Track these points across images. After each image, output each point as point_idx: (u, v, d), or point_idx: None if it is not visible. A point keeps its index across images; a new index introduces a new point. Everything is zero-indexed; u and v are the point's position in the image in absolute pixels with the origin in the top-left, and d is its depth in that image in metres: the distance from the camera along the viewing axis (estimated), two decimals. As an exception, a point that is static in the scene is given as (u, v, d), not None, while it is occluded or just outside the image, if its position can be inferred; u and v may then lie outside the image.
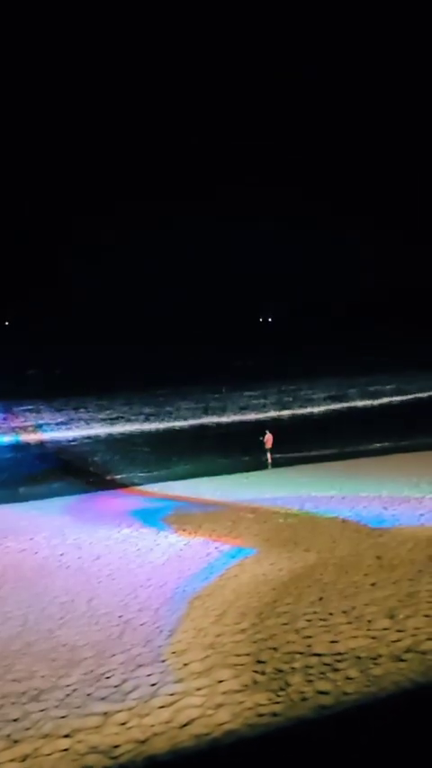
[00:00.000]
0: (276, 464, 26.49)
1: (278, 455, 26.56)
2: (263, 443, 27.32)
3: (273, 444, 27.09)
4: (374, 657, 7.29)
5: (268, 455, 26.96)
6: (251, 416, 36.70)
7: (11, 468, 28.11)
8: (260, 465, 26.80)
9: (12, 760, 5.89)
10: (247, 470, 25.81)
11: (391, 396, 41.95)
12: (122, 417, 37.37)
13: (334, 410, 38.89)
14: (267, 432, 27.70)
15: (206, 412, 38.94)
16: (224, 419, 36.82)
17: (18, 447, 30.91)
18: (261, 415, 36.35)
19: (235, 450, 29.28)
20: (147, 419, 36.84)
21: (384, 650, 7.45)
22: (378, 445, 28.24)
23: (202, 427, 36.15)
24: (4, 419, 36.31)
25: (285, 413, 38.23)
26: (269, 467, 26.35)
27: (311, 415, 38.44)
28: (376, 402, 40.58)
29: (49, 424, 35.34)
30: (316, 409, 39.20)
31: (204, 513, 17.28)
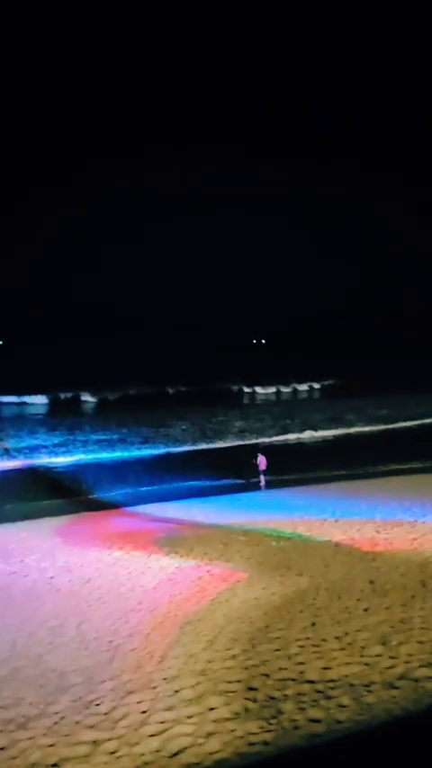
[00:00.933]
0: (269, 486, 26.40)
1: (271, 477, 26.49)
2: (256, 465, 27.25)
3: (266, 466, 27.02)
4: (367, 685, 7.23)
5: (261, 477, 26.87)
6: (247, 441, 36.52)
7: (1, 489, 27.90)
8: (252, 486, 26.70)
9: (-2, 790, 5.77)
10: (240, 492, 25.71)
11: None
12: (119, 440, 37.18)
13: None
14: (260, 454, 27.64)
15: (203, 434, 38.61)
16: (219, 443, 36.47)
17: (10, 469, 30.59)
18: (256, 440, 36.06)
19: (227, 472, 29.21)
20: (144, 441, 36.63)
21: (377, 677, 7.39)
22: (371, 468, 28.24)
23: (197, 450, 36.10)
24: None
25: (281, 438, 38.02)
26: (262, 488, 26.25)
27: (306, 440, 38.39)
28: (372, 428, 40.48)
29: (44, 446, 34.90)
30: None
31: (196, 535, 17.16)
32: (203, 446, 35.24)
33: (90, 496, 26.45)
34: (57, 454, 32.90)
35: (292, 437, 37.33)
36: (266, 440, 36.33)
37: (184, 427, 40.06)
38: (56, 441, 36.20)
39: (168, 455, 33.30)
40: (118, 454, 33.35)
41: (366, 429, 39.53)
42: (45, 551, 16.03)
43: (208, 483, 27.73)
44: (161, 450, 33.94)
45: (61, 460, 31.82)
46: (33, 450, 33.74)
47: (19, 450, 33.28)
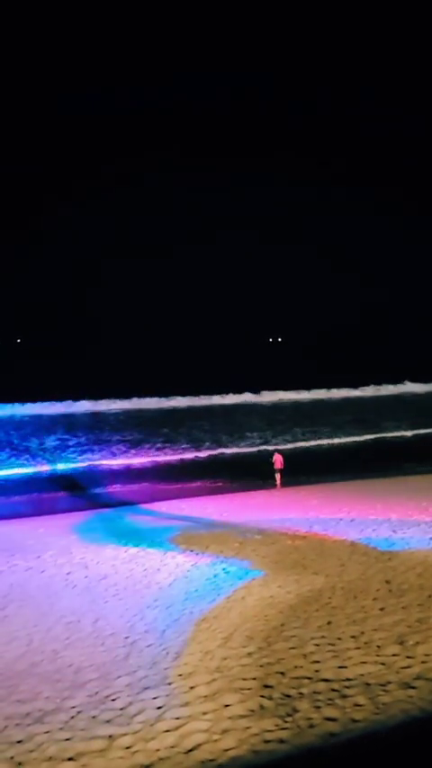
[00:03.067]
0: (284, 484, 26.34)
1: (287, 475, 26.45)
2: (272, 464, 27.23)
3: (282, 465, 26.99)
4: (383, 684, 7.18)
5: (277, 475, 26.84)
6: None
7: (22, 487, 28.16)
8: (268, 485, 26.67)
9: (15, 783, 5.83)
10: (255, 490, 25.69)
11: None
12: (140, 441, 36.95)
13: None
14: (276, 452, 27.62)
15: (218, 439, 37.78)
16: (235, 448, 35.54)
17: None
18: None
19: (243, 470, 29.23)
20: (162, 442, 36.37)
21: (393, 677, 7.34)
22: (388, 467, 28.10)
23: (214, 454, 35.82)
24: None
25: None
26: (278, 487, 26.21)
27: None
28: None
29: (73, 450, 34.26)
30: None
31: (211, 533, 17.18)
32: (227, 450, 34.45)
33: (106, 493, 26.62)
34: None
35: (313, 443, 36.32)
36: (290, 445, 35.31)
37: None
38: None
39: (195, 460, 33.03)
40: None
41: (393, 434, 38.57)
42: (62, 547, 16.14)
43: (223, 481, 27.76)
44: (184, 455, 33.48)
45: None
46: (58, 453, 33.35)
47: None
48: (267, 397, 57.43)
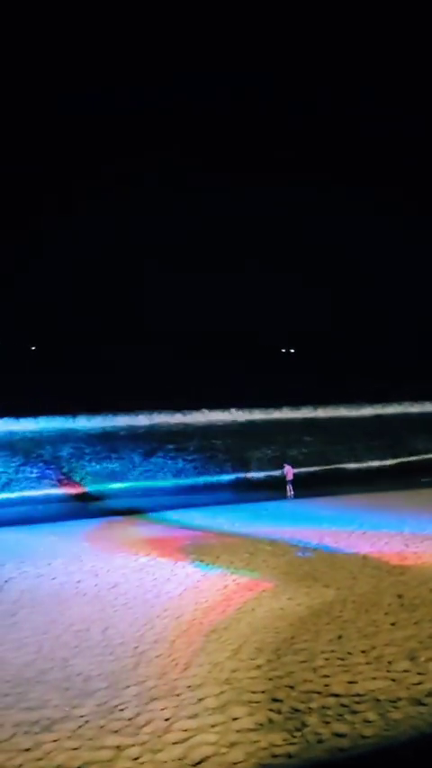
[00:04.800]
0: (295, 496, 26.26)
1: (298, 487, 26.37)
2: (283, 475, 27.18)
3: (293, 476, 26.93)
4: (394, 700, 7.11)
5: (288, 486, 26.77)
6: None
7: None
8: (279, 496, 26.60)
9: (22, 791, 5.82)
10: (266, 501, 25.62)
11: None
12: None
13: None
14: (287, 464, 27.56)
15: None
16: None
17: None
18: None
19: (254, 480, 29.15)
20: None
21: (404, 693, 7.26)
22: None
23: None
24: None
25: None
26: (289, 498, 26.14)
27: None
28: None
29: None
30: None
31: (222, 543, 17.15)
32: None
33: (118, 502, 26.67)
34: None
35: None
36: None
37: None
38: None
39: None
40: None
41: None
42: (72, 555, 16.19)
43: (234, 492, 27.71)
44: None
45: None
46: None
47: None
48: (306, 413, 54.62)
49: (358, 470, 33.96)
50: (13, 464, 33.17)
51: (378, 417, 51.81)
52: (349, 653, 8.57)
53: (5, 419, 42.06)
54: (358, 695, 7.28)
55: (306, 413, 53.54)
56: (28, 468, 32.54)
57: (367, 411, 54.65)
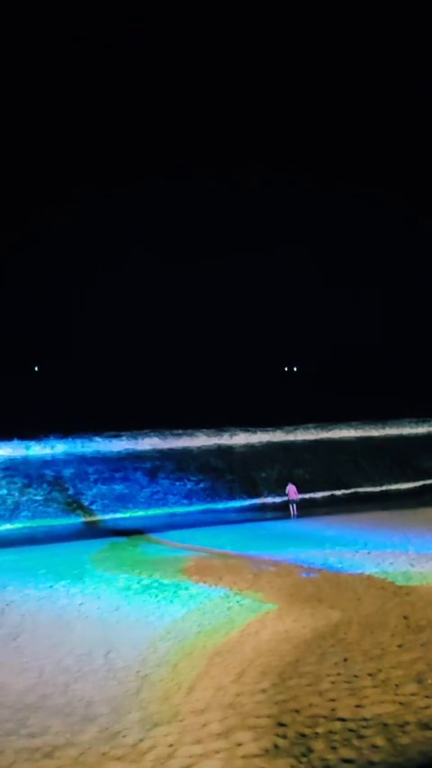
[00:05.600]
0: (299, 515, 26.09)
1: (301, 507, 26.19)
2: (286, 494, 27.02)
3: (296, 495, 26.78)
4: (402, 725, 6.97)
5: (291, 506, 26.61)
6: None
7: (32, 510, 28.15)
8: (283, 516, 26.42)
9: None
10: (270, 521, 25.46)
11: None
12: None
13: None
14: (290, 483, 27.43)
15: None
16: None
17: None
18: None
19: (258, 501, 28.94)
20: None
21: (412, 717, 7.12)
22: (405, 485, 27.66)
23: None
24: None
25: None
26: (292, 518, 25.96)
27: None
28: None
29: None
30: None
31: (225, 564, 16.99)
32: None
33: (119, 522, 26.51)
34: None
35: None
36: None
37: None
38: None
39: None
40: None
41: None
42: (75, 577, 16.04)
43: (237, 512, 27.52)
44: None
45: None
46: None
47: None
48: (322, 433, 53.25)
49: (367, 494, 32.72)
50: (17, 486, 33.02)
51: (384, 438, 51.42)
52: (355, 676, 8.43)
53: (9, 442, 41.97)
54: (365, 719, 7.14)
55: (310, 434, 53.17)
56: (32, 491, 32.33)
57: (373, 431, 54.24)
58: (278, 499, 28.15)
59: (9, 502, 30.00)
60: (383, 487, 32.35)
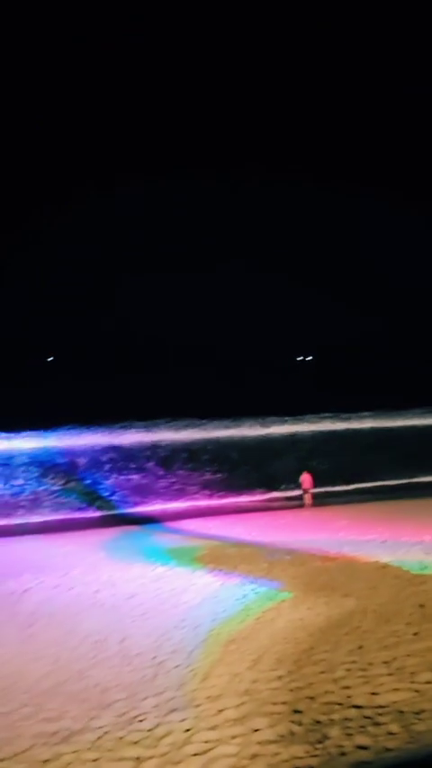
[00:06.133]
0: (313, 504, 26.06)
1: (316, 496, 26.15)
2: (300, 483, 26.99)
3: (311, 485, 26.73)
4: (417, 712, 6.94)
5: (306, 495, 26.58)
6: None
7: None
8: (297, 505, 26.41)
9: (41, 803, 5.76)
10: (284, 510, 25.46)
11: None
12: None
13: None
14: (305, 471, 27.37)
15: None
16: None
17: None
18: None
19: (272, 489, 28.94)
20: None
21: (427, 705, 7.10)
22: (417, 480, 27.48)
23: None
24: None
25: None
26: (306, 507, 25.94)
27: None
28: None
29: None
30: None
31: (240, 553, 17.02)
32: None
33: (134, 511, 26.65)
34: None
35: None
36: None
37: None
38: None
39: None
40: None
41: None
42: (89, 565, 16.16)
43: (252, 502, 27.55)
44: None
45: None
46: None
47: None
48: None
49: (384, 486, 31.59)
50: (33, 476, 33.30)
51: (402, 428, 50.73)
52: (370, 664, 8.41)
53: (23, 433, 42.32)
54: (380, 707, 7.13)
55: (325, 425, 52.73)
56: (47, 481, 32.54)
57: (389, 422, 53.51)
58: (293, 489, 28.02)
59: (27, 491, 30.22)
60: (400, 481, 31.33)
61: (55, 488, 31.11)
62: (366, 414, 54.10)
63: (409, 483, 30.30)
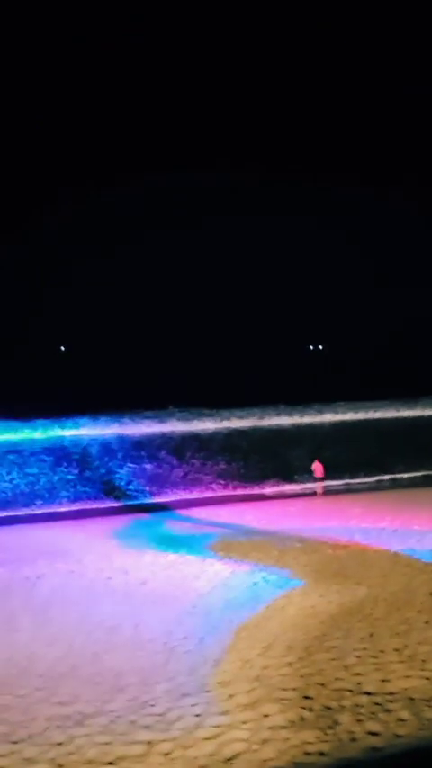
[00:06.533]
0: (325, 493, 26.06)
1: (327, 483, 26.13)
2: (312, 471, 26.99)
3: (322, 473, 26.71)
4: (428, 699, 6.97)
5: (317, 484, 26.58)
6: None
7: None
8: (308, 493, 26.41)
9: (55, 784, 5.86)
10: (295, 498, 25.47)
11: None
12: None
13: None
14: (317, 460, 27.35)
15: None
16: None
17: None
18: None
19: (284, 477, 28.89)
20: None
21: (439, 692, 7.12)
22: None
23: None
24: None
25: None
26: (318, 495, 25.95)
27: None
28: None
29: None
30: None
31: (251, 541, 17.08)
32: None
33: (145, 500, 26.78)
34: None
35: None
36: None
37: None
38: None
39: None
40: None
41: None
42: (101, 553, 16.30)
43: (263, 491, 27.57)
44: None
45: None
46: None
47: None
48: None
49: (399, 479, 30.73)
50: (47, 465, 33.54)
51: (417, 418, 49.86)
52: (382, 651, 8.44)
53: (36, 421, 42.54)
54: (391, 694, 7.16)
55: (339, 415, 52.17)
56: (61, 470, 32.76)
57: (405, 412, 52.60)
58: (305, 479, 27.96)
59: (42, 481, 30.44)
60: (414, 473, 30.39)
61: (67, 478, 31.32)
62: (380, 403, 53.67)
63: (425, 475, 29.45)
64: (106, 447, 39.64)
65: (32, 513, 24.32)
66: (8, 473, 32.03)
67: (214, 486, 29.53)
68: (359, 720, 6.60)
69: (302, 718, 6.75)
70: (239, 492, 27.54)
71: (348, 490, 26.04)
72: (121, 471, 33.29)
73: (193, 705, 7.30)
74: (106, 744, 6.54)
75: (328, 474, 27.12)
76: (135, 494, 28.43)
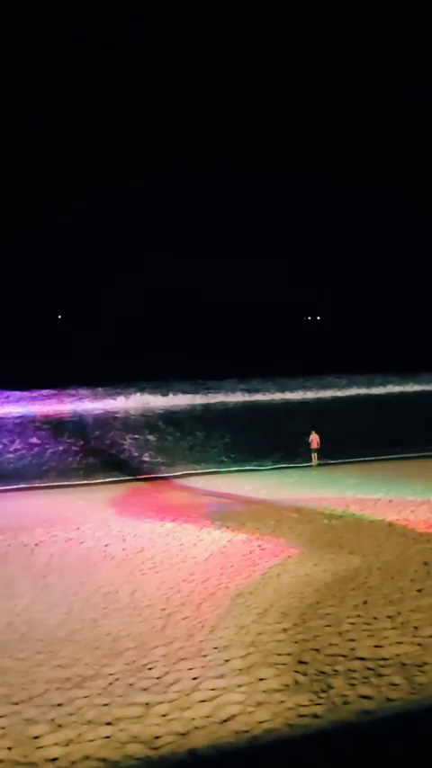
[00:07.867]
0: (321, 463, 26.24)
1: (324, 454, 26.28)
2: (309, 443, 27.12)
3: (319, 444, 26.84)
4: (420, 665, 7.13)
5: (314, 454, 26.74)
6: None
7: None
8: (305, 463, 26.59)
9: (55, 744, 6.02)
10: (291, 468, 25.67)
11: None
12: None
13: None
14: (313, 431, 27.46)
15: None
16: None
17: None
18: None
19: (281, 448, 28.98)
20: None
21: (430, 658, 7.28)
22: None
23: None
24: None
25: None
26: (314, 466, 26.14)
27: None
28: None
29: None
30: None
31: (247, 510, 17.27)
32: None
33: (143, 468, 26.95)
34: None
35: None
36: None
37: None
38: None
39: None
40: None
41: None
42: (100, 520, 16.47)
43: (261, 461, 27.71)
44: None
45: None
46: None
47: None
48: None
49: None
50: (46, 436, 33.63)
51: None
52: (375, 618, 8.60)
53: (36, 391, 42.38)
54: (384, 659, 7.32)
55: (336, 390, 51.82)
56: (61, 441, 32.84)
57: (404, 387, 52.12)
58: (301, 451, 28.07)
59: (48, 453, 30.56)
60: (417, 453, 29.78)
61: (66, 450, 31.45)
62: (379, 377, 53.37)
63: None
64: (103, 419, 39.72)
65: (28, 486, 24.44)
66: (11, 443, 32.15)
67: (210, 456, 29.68)
68: (352, 685, 6.76)
69: (297, 682, 6.91)
70: (234, 463, 27.71)
71: (345, 462, 26.20)
72: (118, 442, 33.47)
73: (189, 669, 7.46)
74: (105, 705, 6.70)
75: (326, 446, 27.23)
76: (131, 463, 28.63)
